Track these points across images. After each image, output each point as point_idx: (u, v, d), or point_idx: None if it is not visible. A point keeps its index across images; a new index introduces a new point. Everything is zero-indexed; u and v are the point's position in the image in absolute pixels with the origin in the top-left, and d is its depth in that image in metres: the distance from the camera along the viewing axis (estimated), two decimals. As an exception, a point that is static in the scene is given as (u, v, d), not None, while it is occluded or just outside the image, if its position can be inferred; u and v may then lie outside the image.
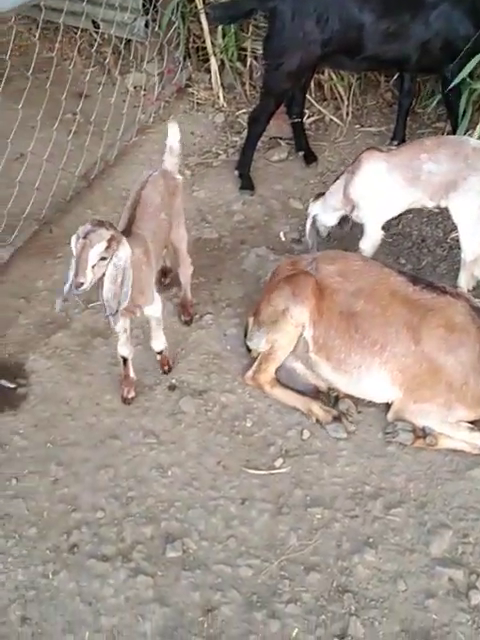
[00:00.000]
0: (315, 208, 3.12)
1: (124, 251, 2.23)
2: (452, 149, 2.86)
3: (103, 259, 2.19)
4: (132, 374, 2.66)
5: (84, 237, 2.16)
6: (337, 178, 3.10)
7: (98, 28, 4.19)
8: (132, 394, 2.66)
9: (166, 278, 3.09)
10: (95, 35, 4.23)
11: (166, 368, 2.74)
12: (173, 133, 2.69)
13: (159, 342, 2.66)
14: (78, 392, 2.70)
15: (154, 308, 2.54)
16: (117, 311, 2.27)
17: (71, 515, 2.33)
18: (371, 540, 2.27)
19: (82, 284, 2.16)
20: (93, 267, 2.18)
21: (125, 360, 2.62)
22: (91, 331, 2.93)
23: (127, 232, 2.40)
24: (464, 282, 2.98)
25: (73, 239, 2.22)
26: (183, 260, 2.89)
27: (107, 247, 2.18)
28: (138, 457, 2.49)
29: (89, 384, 2.73)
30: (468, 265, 2.97)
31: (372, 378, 2.56)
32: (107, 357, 2.81)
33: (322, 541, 2.27)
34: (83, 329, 2.94)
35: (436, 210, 3.51)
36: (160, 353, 2.68)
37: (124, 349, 2.59)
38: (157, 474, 2.44)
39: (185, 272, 2.92)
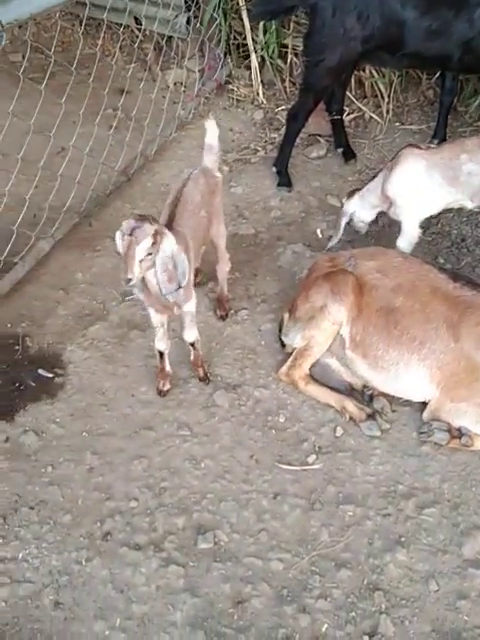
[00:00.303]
0: (352, 205, 3.11)
1: (168, 243, 2.27)
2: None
3: (149, 254, 2.23)
4: (168, 367, 2.68)
5: (129, 234, 2.19)
6: (376, 175, 3.08)
7: (140, 25, 4.23)
8: (168, 387, 2.68)
9: (196, 277, 3.05)
10: (137, 32, 4.28)
11: (201, 371, 2.71)
12: (211, 131, 2.71)
13: (191, 334, 2.64)
14: (114, 383, 2.74)
15: (191, 304, 2.54)
16: (180, 287, 2.33)
17: (105, 503, 2.36)
18: (403, 539, 2.25)
19: (130, 280, 2.21)
20: (140, 262, 2.22)
21: (162, 354, 2.64)
22: (128, 323, 2.96)
23: (168, 229, 2.41)
24: None
25: (117, 236, 2.25)
26: (221, 256, 2.90)
27: (153, 243, 2.22)
28: (172, 448, 2.52)
29: (125, 375, 2.77)
30: None
31: (410, 375, 2.53)
32: (143, 349, 2.84)
33: (354, 538, 2.26)
34: (120, 321, 2.98)
35: (477, 210, 3.47)
36: (192, 345, 2.67)
37: (161, 344, 2.61)
38: (190, 466, 2.46)
39: (222, 268, 2.93)
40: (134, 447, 2.52)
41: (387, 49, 3.36)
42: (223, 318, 2.98)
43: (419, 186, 2.89)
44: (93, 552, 2.24)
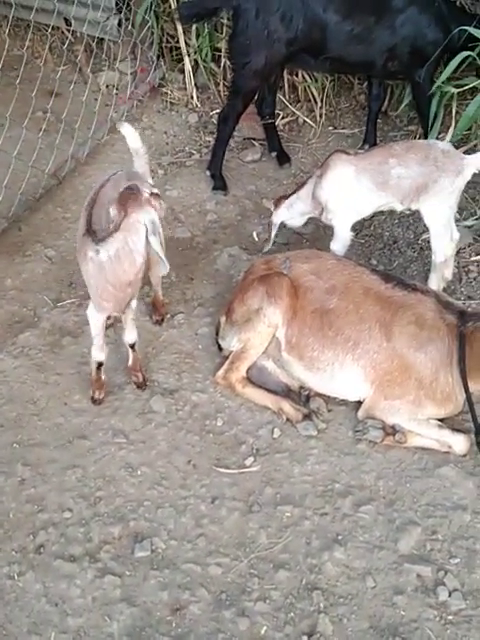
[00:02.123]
0: (280, 215, 3.11)
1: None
2: (422, 153, 2.88)
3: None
4: (104, 376, 2.62)
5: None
6: (304, 183, 3.09)
7: (70, 26, 4.15)
8: (102, 395, 2.62)
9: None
10: (67, 33, 4.20)
11: (140, 376, 2.66)
12: (129, 135, 2.64)
13: (132, 334, 2.58)
14: (46, 392, 2.67)
15: (134, 301, 2.50)
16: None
17: (38, 516, 2.30)
18: (340, 538, 2.27)
19: None
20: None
21: (100, 365, 2.56)
22: (60, 330, 2.90)
23: (89, 233, 2.34)
24: (434, 283, 3.00)
25: None
26: (154, 260, 2.85)
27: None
28: (107, 457, 2.47)
29: (57, 384, 2.70)
30: (438, 266, 3.00)
31: (344, 375, 2.56)
32: (76, 356, 2.78)
33: (292, 539, 2.26)
34: (51, 328, 2.91)
35: (407, 212, 3.55)
36: (132, 347, 2.60)
37: (100, 354, 2.54)
38: (126, 474, 2.42)
39: (156, 272, 2.86)
40: (68, 457, 2.46)
41: (311, 52, 3.39)
42: (159, 323, 2.95)
43: (349, 191, 2.93)
44: (26, 566, 2.17)
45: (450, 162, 2.84)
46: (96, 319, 2.48)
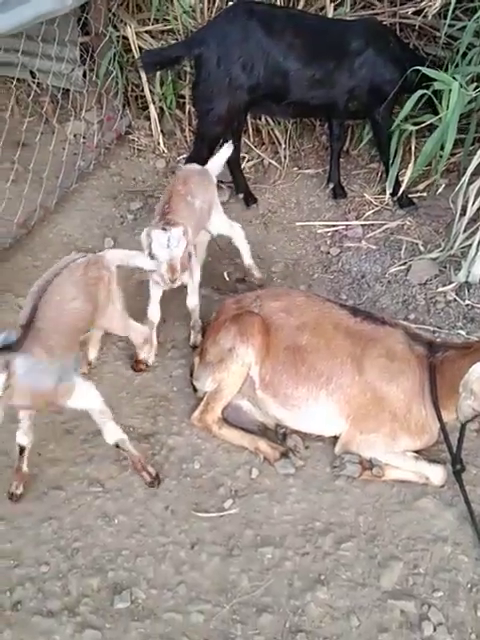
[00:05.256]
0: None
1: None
2: (198, 178, 3.00)
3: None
4: (25, 467, 2.42)
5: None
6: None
7: (35, 78, 4.22)
8: (21, 490, 2.41)
9: (90, 366, 2.90)
10: (32, 85, 4.26)
11: (146, 477, 2.47)
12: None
13: (110, 434, 2.38)
14: (19, 443, 2.62)
15: (84, 400, 2.28)
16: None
17: (14, 571, 2.24)
18: (322, 577, 2.25)
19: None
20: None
21: (22, 450, 2.39)
22: (33, 379, 2.86)
23: (25, 328, 2.17)
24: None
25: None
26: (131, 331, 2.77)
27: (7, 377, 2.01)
28: (83, 507, 2.43)
29: (31, 434, 2.66)
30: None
31: (319, 410, 2.57)
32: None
33: (274, 581, 2.24)
34: (24, 377, 2.87)
35: (374, 246, 3.63)
36: (118, 447, 2.41)
37: (24, 438, 2.37)
38: (103, 523, 2.38)
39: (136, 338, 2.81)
40: (43, 509, 2.41)
41: (273, 98, 3.48)
42: (138, 370, 2.91)
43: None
44: (2, 624, 2.11)
45: None
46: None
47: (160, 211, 2.84)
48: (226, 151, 3.20)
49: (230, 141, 3.24)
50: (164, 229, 2.65)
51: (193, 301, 3.00)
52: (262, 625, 2.13)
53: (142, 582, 2.22)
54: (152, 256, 2.70)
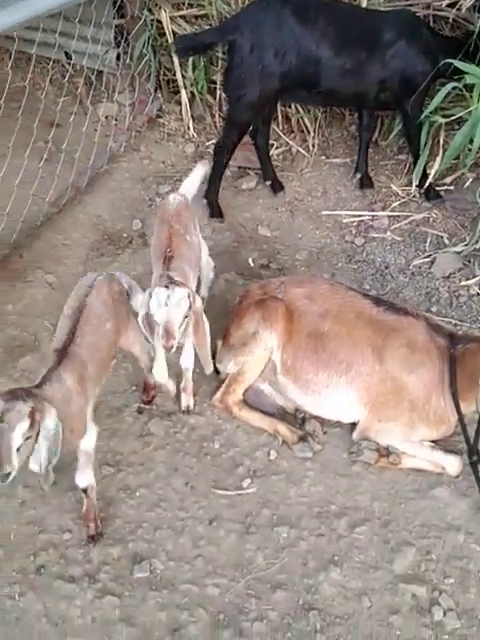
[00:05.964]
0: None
1: (51, 419, 1.90)
2: (186, 210, 2.83)
3: (28, 438, 1.87)
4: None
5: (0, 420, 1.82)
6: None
7: (70, 59, 4.27)
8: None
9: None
10: (67, 66, 4.31)
11: (91, 527, 2.30)
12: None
13: (85, 477, 2.26)
14: (46, 415, 2.70)
15: (87, 441, 2.23)
16: (48, 470, 1.96)
17: (38, 537, 2.32)
18: (336, 558, 2.30)
19: (9, 474, 1.84)
20: (18, 450, 1.85)
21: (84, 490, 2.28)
22: (60, 354, 2.94)
23: (62, 352, 2.13)
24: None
25: None
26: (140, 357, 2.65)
27: (30, 424, 1.85)
28: (106, 479, 2.50)
29: (57, 407, 2.74)
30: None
31: (339, 397, 2.61)
32: (76, 380, 2.82)
33: (288, 560, 2.30)
34: (52, 352, 2.95)
35: (399, 238, 3.65)
36: (85, 492, 2.28)
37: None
38: (125, 496, 2.45)
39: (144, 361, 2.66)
40: (67, 479, 2.47)
41: (304, 86, 3.50)
42: (143, 406, 2.77)
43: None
44: (26, 586, 2.20)
45: None
46: None
47: (162, 254, 2.62)
48: (199, 171, 3.07)
49: (205, 159, 3.14)
50: (166, 287, 2.36)
51: (187, 361, 2.70)
52: (276, 601, 2.19)
53: (161, 554, 2.29)
54: (148, 316, 2.39)
